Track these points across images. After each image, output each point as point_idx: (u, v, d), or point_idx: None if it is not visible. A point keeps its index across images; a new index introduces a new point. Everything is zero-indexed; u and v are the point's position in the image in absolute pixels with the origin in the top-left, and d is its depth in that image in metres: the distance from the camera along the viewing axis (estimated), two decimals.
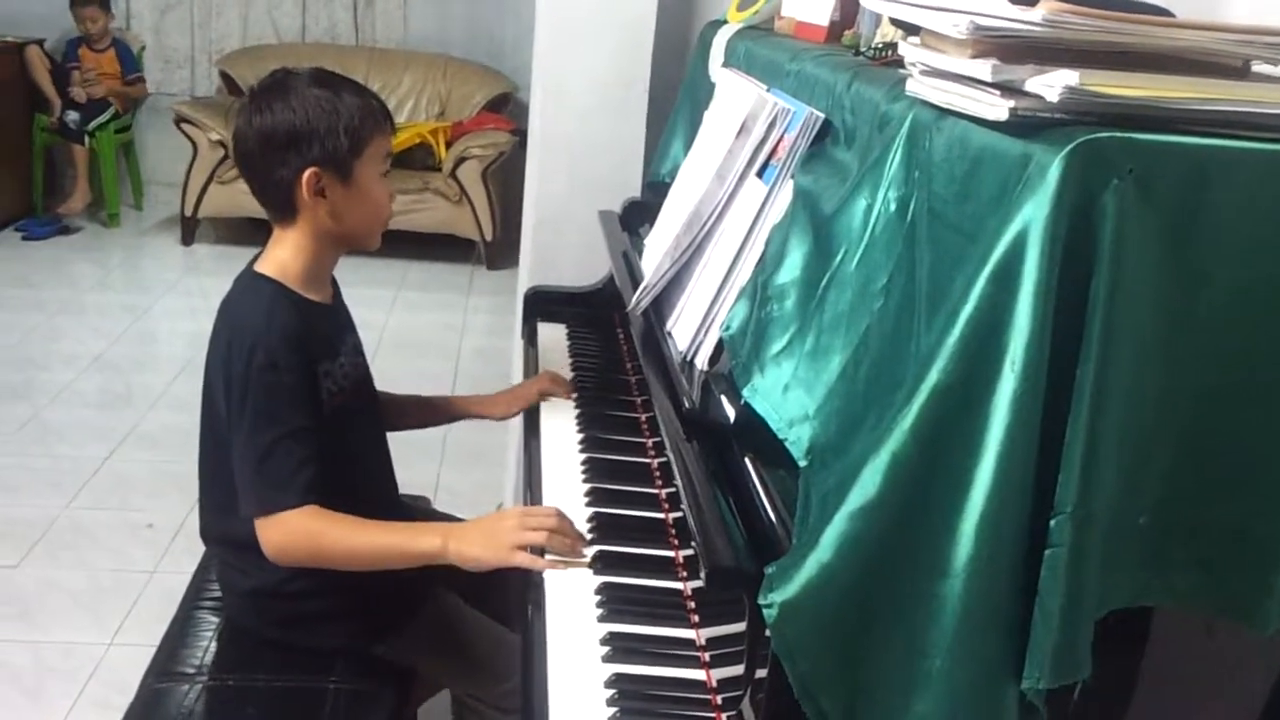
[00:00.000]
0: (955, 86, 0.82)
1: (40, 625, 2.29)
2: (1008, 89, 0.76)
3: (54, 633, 2.27)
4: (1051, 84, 0.72)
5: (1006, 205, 0.73)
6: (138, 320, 4.10)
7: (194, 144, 4.82)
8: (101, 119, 5.10)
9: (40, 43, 5.17)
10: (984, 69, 0.76)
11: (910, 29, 0.92)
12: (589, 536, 1.29)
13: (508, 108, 5.39)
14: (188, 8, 5.62)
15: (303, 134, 1.31)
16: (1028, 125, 0.74)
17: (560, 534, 1.24)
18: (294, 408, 1.31)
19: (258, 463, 1.28)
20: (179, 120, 4.84)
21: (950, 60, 0.82)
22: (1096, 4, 0.74)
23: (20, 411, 3.23)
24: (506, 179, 4.88)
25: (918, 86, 0.89)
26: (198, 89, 5.65)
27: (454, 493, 2.80)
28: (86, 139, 5.06)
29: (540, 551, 1.23)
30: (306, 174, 1.32)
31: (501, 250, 4.93)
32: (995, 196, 0.76)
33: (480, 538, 1.27)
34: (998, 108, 0.75)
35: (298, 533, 1.28)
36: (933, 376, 0.73)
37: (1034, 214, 0.70)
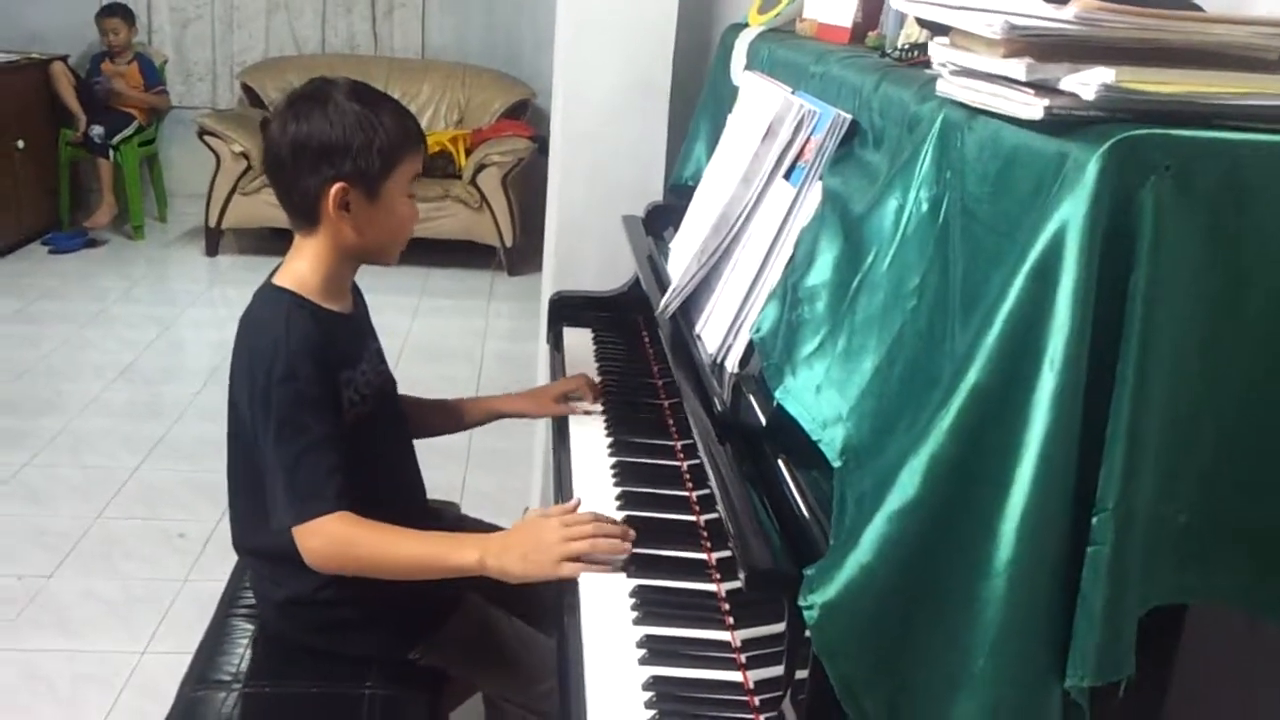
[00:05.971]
0: (987, 86, 0.82)
1: (75, 634, 2.31)
2: (1042, 88, 0.76)
3: (88, 641, 2.29)
4: (1087, 82, 0.72)
5: (1043, 203, 0.73)
6: (165, 331, 4.14)
7: (217, 156, 4.87)
8: (125, 133, 5.15)
9: (64, 58, 5.24)
10: (1018, 68, 0.76)
11: (938, 29, 0.92)
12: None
13: (526, 114, 5.42)
14: (208, 21, 5.68)
15: (336, 147, 1.31)
16: (1063, 124, 0.74)
17: (603, 536, 1.24)
18: (317, 417, 1.31)
19: (288, 474, 1.28)
20: (202, 132, 4.89)
21: (982, 60, 0.82)
22: (1129, 0, 0.74)
23: (51, 423, 3.27)
24: (526, 185, 4.91)
25: (948, 87, 0.89)
26: (219, 102, 5.71)
27: (481, 496, 2.81)
28: (111, 153, 5.12)
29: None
30: (334, 188, 1.32)
31: (522, 256, 4.96)
32: (1031, 195, 0.76)
33: (523, 553, 1.23)
34: (1032, 106, 0.75)
35: (335, 539, 1.28)
36: (971, 376, 0.73)
37: (1072, 212, 0.69)
